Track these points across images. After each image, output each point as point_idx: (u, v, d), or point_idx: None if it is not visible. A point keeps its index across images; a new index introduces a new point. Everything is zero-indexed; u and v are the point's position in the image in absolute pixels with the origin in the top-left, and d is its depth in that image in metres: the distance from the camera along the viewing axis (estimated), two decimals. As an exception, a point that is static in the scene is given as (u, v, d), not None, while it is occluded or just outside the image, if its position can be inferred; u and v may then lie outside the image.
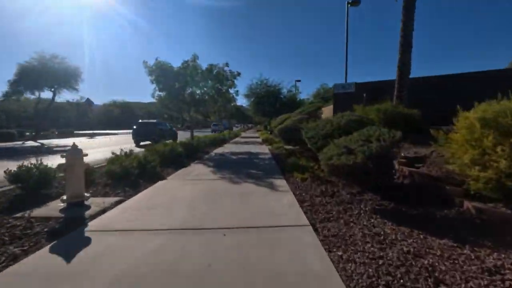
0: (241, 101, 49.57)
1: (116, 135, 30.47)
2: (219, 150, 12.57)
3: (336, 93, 12.23)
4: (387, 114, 7.30)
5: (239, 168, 6.78)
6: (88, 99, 27.68)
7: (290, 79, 60.33)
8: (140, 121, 18.15)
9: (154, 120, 18.65)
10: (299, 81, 32.82)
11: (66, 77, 22.06)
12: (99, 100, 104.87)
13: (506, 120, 2.56)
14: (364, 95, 11.23)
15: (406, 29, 8.86)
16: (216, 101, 12.89)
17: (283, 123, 12.29)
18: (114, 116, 70.44)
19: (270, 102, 30.06)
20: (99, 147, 14.34)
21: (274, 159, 8.41)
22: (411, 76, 8.99)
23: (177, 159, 7.66)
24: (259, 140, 19.19)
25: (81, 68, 23.69)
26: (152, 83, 11.69)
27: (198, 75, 11.72)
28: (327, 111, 14.85)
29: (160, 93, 11.92)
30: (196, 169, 6.78)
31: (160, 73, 11.34)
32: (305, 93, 69.41)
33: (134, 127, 16.45)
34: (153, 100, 13.59)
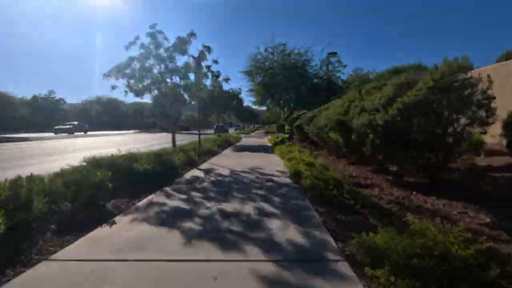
0: (238, 82, 35.67)
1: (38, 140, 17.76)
2: None
3: None
4: None
5: None
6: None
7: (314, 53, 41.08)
8: (217, 124, 29.04)
9: (222, 124, 29.81)
10: (334, 54, 19.22)
11: None
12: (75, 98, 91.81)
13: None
14: None
15: None
16: None
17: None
18: (92, 115, 58.71)
19: (289, 83, 17.02)
20: None
21: None
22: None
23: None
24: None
25: None
26: None
27: None
28: None
29: None
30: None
31: None
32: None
33: (215, 126, 29.59)
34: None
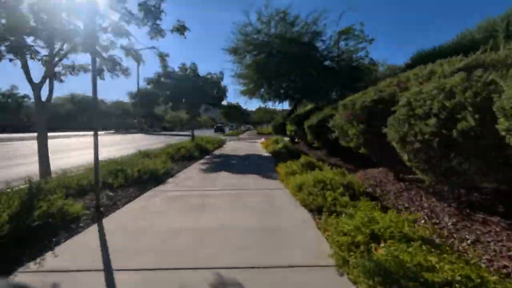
0: (220, 66, 30.95)
1: None
2: None
3: None
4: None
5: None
6: None
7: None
8: (216, 124, 42.26)
9: (221, 124, 42.58)
10: (350, 30, 13.85)
11: None
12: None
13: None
14: None
15: None
16: None
17: None
18: (65, 114, 52.31)
19: (292, 65, 11.87)
20: None
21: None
22: None
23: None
24: None
25: None
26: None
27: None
28: None
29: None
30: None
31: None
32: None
33: (214, 127, 39.33)
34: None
